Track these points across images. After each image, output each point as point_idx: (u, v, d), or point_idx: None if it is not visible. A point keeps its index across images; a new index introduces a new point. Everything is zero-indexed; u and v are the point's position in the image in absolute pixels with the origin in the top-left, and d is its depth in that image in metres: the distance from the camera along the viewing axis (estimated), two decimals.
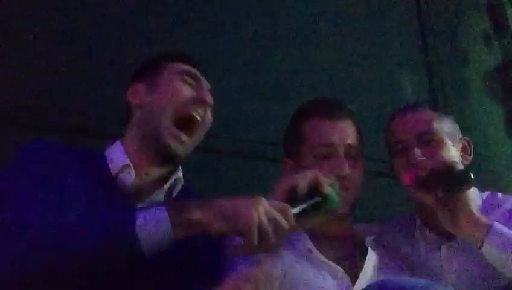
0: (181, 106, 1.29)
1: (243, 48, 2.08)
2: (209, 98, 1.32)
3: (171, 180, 1.30)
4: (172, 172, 1.32)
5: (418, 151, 1.42)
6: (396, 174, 1.50)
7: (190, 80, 1.33)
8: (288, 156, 1.49)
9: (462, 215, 1.28)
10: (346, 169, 1.36)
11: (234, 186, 1.87)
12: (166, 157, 1.29)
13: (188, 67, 1.34)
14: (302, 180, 1.13)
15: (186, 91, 1.31)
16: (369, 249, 1.39)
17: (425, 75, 2.51)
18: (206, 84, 1.36)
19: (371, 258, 1.37)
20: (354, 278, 1.31)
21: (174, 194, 1.32)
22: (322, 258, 1.33)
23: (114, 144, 1.33)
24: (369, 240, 1.41)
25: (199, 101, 1.30)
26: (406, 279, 1.12)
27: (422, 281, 1.06)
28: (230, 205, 1.05)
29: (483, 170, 2.17)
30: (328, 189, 1.13)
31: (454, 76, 2.56)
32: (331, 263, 1.32)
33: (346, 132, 1.43)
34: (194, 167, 1.91)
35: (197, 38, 2.00)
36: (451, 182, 1.28)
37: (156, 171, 1.30)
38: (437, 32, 2.57)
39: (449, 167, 1.31)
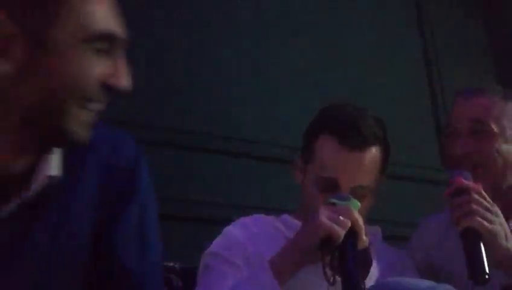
0: (85, 92, 0.83)
1: (245, 47, 2.08)
2: (127, 84, 0.87)
3: (32, 190, 0.85)
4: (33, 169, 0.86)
5: (462, 142, 1.30)
6: (441, 159, 1.40)
7: (103, 47, 0.84)
8: (301, 158, 1.39)
9: None
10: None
11: (235, 186, 1.87)
12: (66, 145, 0.89)
13: (101, 26, 0.83)
14: (339, 234, 1.09)
15: (96, 70, 0.84)
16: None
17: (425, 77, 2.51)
18: (122, 53, 0.88)
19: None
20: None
21: (50, 189, 0.86)
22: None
23: None
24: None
25: (114, 88, 0.85)
26: (408, 280, 1.12)
27: (424, 283, 1.06)
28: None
29: None
30: (365, 242, 1.15)
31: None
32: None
33: (356, 169, 1.26)
34: (195, 167, 1.92)
35: (200, 37, 1.99)
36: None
37: (16, 167, 0.86)
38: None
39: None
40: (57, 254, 0.89)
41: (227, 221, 1.40)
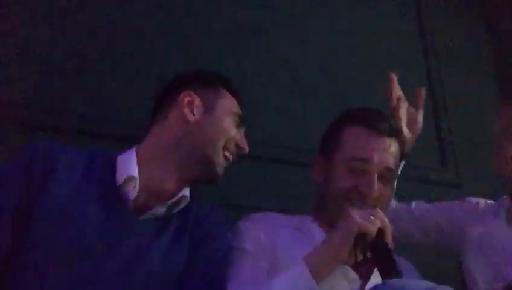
0: (227, 142, 1.37)
1: (246, 48, 2.08)
2: (247, 149, 1.41)
3: (176, 197, 1.30)
4: (181, 189, 1.33)
5: None
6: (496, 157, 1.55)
7: (237, 121, 1.40)
8: (321, 154, 1.47)
9: None
10: (375, 192, 1.32)
11: (247, 188, 1.87)
12: (207, 179, 1.36)
13: (239, 111, 1.42)
14: (372, 229, 1.19)
15: (234, 132, 1.38)
16: None
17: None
18: (244, 130, 1.44)
19: None
20: (364, 283, 1.29)
21: (176, 209, 1.31)
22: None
23: (129, 151, 1.33)
24: None
25: (241, 149, 1.39)
26: (407, 281, 1.12)
27: (424, 284, 1.06)
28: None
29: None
30: (390, 241, 1.21)
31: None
32: (348, 268, 1.28)
33: (386, 151, 1.36)
34: None
35: (209, 40, 2.00)
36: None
37: (170, 186, 1.31)
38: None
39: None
40: (169, 258, 1.23)
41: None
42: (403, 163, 1.58)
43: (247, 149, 1.40)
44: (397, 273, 1.14)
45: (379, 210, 1.24)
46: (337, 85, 2.19)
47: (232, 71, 1.97)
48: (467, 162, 2.38)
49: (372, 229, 1.17)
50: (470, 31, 2.73)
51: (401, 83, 2.37)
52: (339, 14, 2.35)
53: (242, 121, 1.42)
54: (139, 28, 1.90)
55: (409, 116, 1.59)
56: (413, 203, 1.74)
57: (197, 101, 1.37)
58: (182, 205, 1.32)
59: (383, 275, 1.16)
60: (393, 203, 1.72)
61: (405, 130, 1.55)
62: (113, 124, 1.75)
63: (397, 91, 1.59)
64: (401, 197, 2.00)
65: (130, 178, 1.26)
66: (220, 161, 1.35)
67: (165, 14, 1.97)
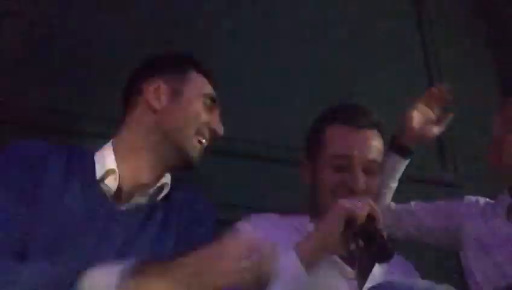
0: (199, 128, 1.32)
1: (246, 47, 2.08)
2: (222, 131, 1.36)
3: (156, 186, 1.29)
4: (160, 177, 1.32)
5: None
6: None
7: (208, 104, 1.34)
8: (307, 158, 1.48)
9: None
10: (361, 185, 1.33)
11: (246, 188, 1.87)
12: (183, 166, 1.33)
13: (210, 91, 1.36)
14: (361, 214, 1.18)
15: (206, 116, 1.33)
16: None
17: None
18: (218, 111, 1.38)
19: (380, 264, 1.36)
20: (362, 280, 1.29)
21: (159, 197, 1.30)
22: (336, 257, 1.31)
23: (107, 145, 1.32)
24: None
25: (214, 132, 1.34)
26: (406, 281, 1.12)
27: (424, 283, 1.06)
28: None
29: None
30: (381, 225, 1.19)
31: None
32: (342, 263, 1.30)
33: (367, 144, 1.38)
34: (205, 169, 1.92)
35: (207, 40, 2.00)
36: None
37: (148, 175, 1.29)
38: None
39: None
40: (158, 245, 1.21)
41: (228, 221, 1.41)
42: (406, 161, 1.59)
43: (221, 132, 1.36)
44: (389, 257, 1.14)
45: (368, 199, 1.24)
46: (338, 85, 2.19)
47: (231, 71, 2.00)
48: (467, 162, 2.38)
49: (361, 213, 1.17)
50: (470, 31, 2.73)
51: (401, 82, 2.40)
52: (338, 13, 2.35)
53: (215, 102, 1.36)
54: (139, 28, 1.90)
55: (425, 114, 1.62)
56: (412, 204, 1.74)
57: (163, 88, 1.32)
58: (165, 192, 1.30)
59: (376, 260, 1.15)
60: (392, 204, 1.72)
61: (417, 123, 1.59)
62: (113, 124, 1.75)
63: (438, 98, 1.62)
64: (401, 197, 2.00)
65: (110, 171, 1.24)
66: (193, 146, 1.31)
67: (165, 13, 1.97)
